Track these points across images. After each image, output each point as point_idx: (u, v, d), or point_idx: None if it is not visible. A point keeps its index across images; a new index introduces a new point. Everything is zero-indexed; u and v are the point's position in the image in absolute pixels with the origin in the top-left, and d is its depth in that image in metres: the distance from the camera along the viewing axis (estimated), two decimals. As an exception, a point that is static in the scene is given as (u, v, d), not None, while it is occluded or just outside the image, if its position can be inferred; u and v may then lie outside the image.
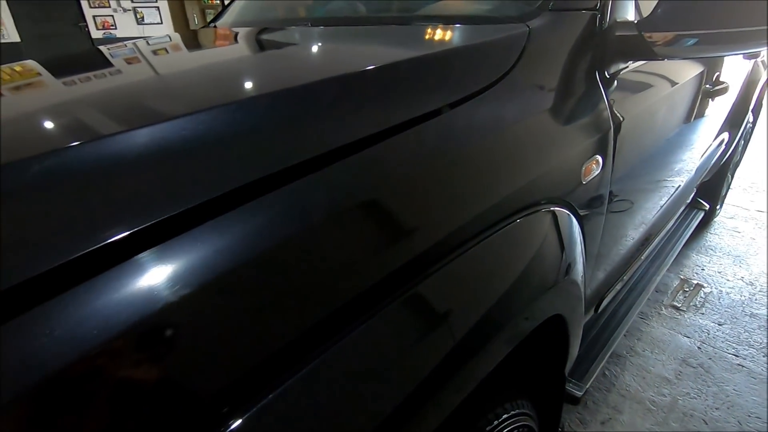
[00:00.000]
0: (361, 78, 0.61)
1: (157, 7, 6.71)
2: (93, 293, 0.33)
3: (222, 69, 0.80)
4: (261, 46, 1.02)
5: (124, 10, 6.52)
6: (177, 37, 1.24)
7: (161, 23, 6.77)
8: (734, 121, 1.93)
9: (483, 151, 0.62)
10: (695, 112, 1.34)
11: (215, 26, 1.38)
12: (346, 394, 0.44)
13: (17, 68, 0.91)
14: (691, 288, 2.05)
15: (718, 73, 1.45)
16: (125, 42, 1.13)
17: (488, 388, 0.63)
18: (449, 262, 0.54)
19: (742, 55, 1.70)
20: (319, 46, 0.92)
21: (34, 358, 0.30)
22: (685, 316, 1.88)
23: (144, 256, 0.36)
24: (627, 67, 0.91)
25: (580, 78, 0.80)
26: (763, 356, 1.65)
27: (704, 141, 1.58)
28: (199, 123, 0.48)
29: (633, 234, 1.22)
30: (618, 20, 0.84)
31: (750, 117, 2.18)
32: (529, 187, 0.67)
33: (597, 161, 0.81)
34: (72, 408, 0.30)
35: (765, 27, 0.75)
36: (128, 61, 0.90)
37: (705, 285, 2.06)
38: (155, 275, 0.35)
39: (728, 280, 2.09)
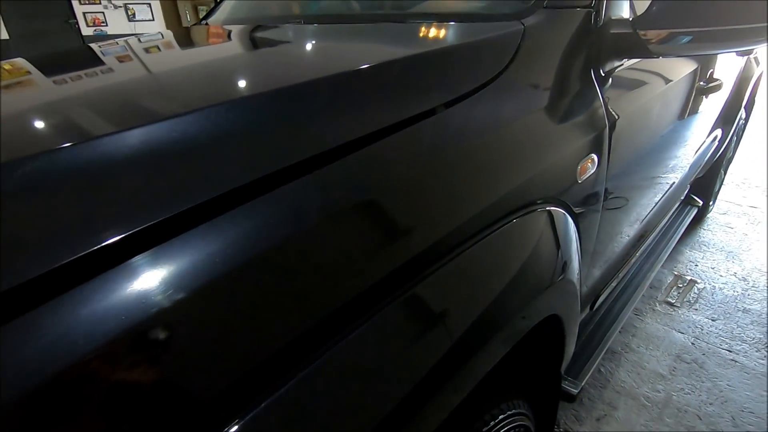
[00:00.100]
0: (353, 78, 0.60)
1: (149, 4, 6.64)
2: (89, 297, 0.32)
3: (216, 68, 0.79)
4: (254, 44, 1.00)
5: (115, 7, 6.45)
6: (169, 35, 1.23)
7: (153, 20, 6.70)
8: (727, 118, 1.94)
9: (478, 151, 0.61)
10: (689, 109, 1.34)
11: (206, 23, 1.36)
12: (344, 396, 0.43)
13: (6, 66, 0.89)
14: (685, 284, 2.06)
15: (711, 70, 1.45)
16: (116, 39, 1.11)
17: (484, 389, 0.63)
18: (446, 262, 0.54)
19: (735, 52, 1.71)
20: (312, 45, 0.92)
21: (31, 362, 0.29)
22: (679, 312, 1.89)
23: (141, 258, 0.35)
24: (622, 64, 0.91)
25: (575, 76, 0.80)
26: (756, 351, 1.66)
27: (698, 138, 1.58)
28: (193, 123, 0.47)
29: (628, 231, 1.22)
30: (613, 18, 0.84)
31: (743, 113, 2.19)
32: (525, 186, 0.66)
33: (592, 160, 0.81)
34: (69, 412, 0.30)
35: (759, 25, 0.75)
36: (120, 59, 0.89)
37: (698, 281, 2.08)
38: (153, 277, 0.35)
39: (721, 276, 2.11)
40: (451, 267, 0.54)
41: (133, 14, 6.59)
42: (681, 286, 2.05)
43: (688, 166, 1.58)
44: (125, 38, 1.13)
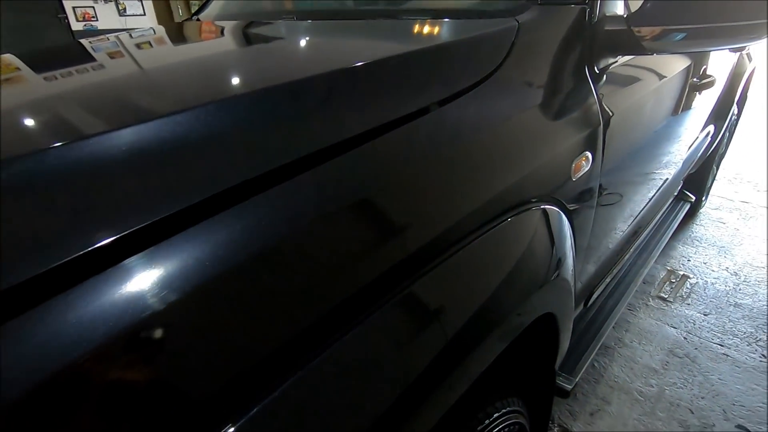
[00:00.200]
0: (346, 75, 0.60)
1: (140, -2, 6.57)
2: (82, 299, 0.32)
3: (209, 65, 0.78)
4: (247, 40, 0.99)
5: (106, 1, 6.35)
6: (161, 30, 1.21)
7: (144, 15, 6.61)
8: (720, 114, 1.95)
9: (473, 149, 0.61)
10: (682, 105, 1.35)
11: (198, 19, 1.35)
12: (340, 396, 0.43)
13: (-7, 63, 0.88)
14: (678, 279, 2.08)
15: (704, 67, 1.45)
16: (107, 35, 1.10)
17: (479, 387, 0.63)
18: (442, 262, 0.54)
19: (728, 49, 1.71)
20: (305, 42, 0.91)
21: (28, 362, 0.29)
22: (672, 306, 1.90)
23: (136, 259, 0.35)
24: (616, 61, 0.91)
25: (569, 73, 0.80)
26: (747, 345, 1.68)
27: (691, 134, 1.59)
28: (186, 122, 0.47)
29: (622, 227, 1.22)
30: (607, 14, 0.84)
31: (735, 109, 2.21)
32: (520, 185, 0.66)
33: (587, 157, 0.81)
34: (63, 414, 0.30)
35: (752, 22, 0.75)
36: (111, 56, 0.88)
37: (691, 276, 2.09)
38: (149, 278, 0.34)
39: (713, 271, 2.12)
40: (446, 266, 0.54)
41: (124, 9, 6.50)
42: (674, 281, 2.06)
43: (681, 161, 1.59)
44: (116, 34, 1.11)
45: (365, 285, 0.46)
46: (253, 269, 0.39)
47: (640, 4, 0.80)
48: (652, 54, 0.84)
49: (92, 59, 0.87)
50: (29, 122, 0.52)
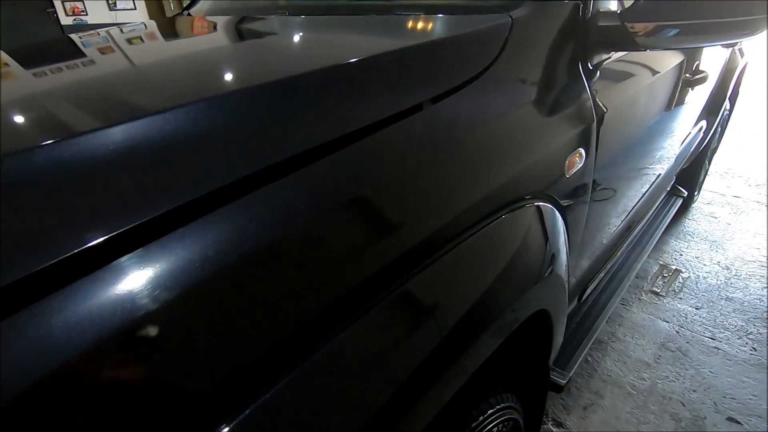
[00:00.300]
0: (338, 72, 0.59)
1: (131, -8, 6.49)
2: (76, 297, 0.32)
3: (201, 61, 0.77)
4: (239, 36, 0.98)
5: (96, -5, 6.28)
6: (153, 25, 1.20)
7: (134, 9, 6.53)
8: (712, 109, 1.96)
9: (467, 146, 0.61)
10: (675, 101, 1.35)
11: (189, 14, 1.33)
12: (335, 393, 0.43)
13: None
14: (670, 273, 2.09)
15: (697, 62, 1.46)
16: (98, 30, 1.09)
17: (473, 383, 0.64)
18: (436, 259, 0.54)
19: (720, 45, 1.72)
20: (297, 38, 0.90)
21: (25, 361, 0.29)
22: (664, 301, 1.92)
23: (130, 257, 0.35)
24: (609, 57, 0.91)
25: (563, 69, 0.80)
26: (738, 339, 1.70)
27: (684, 129, 1.60)
28: (179, 119, 0.46)
29: (615, 222, 1.23)
30: (601, 10, 0.84)
31: (727, 104, 2.22)
32: (514, 181, 0.66)
33: (580, 154, 0.81)
34: (57, 413, 0.30)
35: (744, 18, 0.76)
36: (101, 51, 0.87)
37: (683, 270, 2.11)
38: (143, 277, 0.34)
39: (705, 265, 2.14)
40: (440, 263, 0.54)
41: (114, 3, 6.41)
42: (666, 275, 2.08)
43: (674, 157, 1.60)
44: (106, 28, 1.10)
45: (360, 282, 0.46)
46: (246, 267, 0.39)
47: (633, 1, 0.80)
48: (645, 50, 0.84)
49: (82, 54, 0.85)
50: (18, 119, 0.51)
